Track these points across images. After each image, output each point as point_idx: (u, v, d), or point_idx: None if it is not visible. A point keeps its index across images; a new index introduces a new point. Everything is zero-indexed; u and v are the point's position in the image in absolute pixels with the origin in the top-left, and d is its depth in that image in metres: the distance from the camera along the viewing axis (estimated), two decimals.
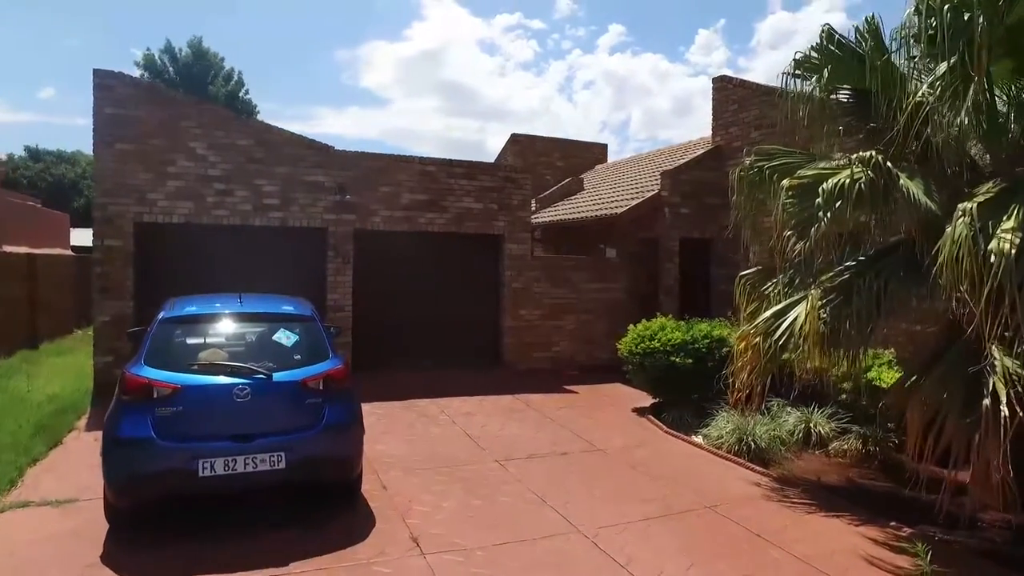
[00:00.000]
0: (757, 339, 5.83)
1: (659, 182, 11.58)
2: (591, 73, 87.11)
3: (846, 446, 7.33)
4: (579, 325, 11.67)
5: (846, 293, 5.21)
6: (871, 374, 7.46)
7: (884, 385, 7.18)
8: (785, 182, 5.13)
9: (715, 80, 11.43)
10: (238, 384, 4.41)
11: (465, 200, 10.81)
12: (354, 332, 10.24)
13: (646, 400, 9.26)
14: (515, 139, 18.76)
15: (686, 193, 11.08)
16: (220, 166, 9.45)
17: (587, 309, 11.72)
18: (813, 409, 7.77)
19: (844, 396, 7.76)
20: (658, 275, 11.22)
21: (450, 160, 10.80)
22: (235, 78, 31.13)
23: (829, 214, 4.71)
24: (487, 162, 11.02)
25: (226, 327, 4.88)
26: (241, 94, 31.90)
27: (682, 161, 11.33)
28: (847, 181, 4.61)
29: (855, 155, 4.66)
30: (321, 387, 4.72)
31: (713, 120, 11.46)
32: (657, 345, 8.49)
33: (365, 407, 8.81)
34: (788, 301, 5.84)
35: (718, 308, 11.30)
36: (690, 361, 8.32)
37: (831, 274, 5.45)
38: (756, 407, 6.37)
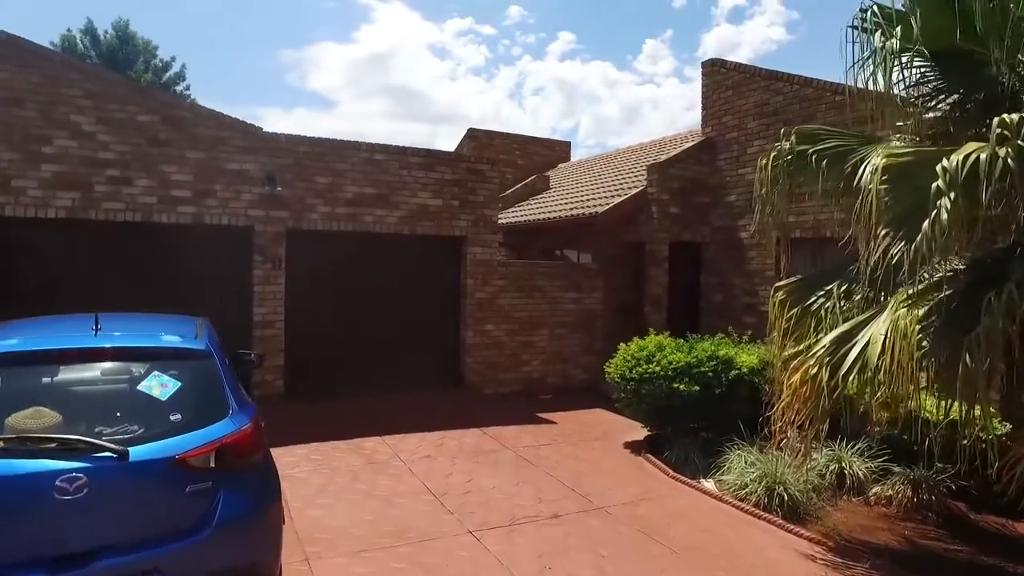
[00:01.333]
0: (816, 369, 4.47)
1: (642, 178, 10.24)
2: (541, 79, 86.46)
3: (889, 491, 6.06)
4: (552, 341, 10.18)
5: (954, 310, 3.89)
6: (911, 403, 6.23)
7: (930, 416, 5.96)
8: (878, 160, 3.75)
9: (705, 65, 10.18)
10: (67, 470, 2.70)
11: (421, 195, 9.18)
12: (287, 354, 8.46)
13: (637, 431, 7.85)
14: (472, 134, 17.22)
15: (675, 190, 9.77)
16: (115, 147, 7.54)
17: (561, 323, 10.25)
18: (842, 444, 6.49)
19: (879, 429, 6.52)
20: (643, 284, 9.85)
21: (403, 148, 9.16)
22: (174, 69, 28.30)
23: (951, 199, 3.34)
24: (447, 151, 9.46)
25: (66, 373, 3.14)
26: (181, 89, 29.07)
27: (668, 155, 10.01)
28: (983, 156, 3.26)
29: (995, 120, 3.31)
30: (213, 463, 3.04)
31: (703, 109, 10.20)
32: (657, 369, 7.07)
33: (299, 450, 7.14)
34: (856, 320, 4.51)
35: (709, 322, 10.02)
36: (696, 388, 6.94)
37: (922, 285, 4.14)
38: (808, 455, 5.03)
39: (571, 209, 10.73)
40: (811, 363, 4.52)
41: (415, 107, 77.39)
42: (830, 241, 7.56)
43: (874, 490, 6.14)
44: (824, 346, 4.51)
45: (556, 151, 18.89)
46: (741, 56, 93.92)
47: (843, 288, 5.02)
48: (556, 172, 16.56)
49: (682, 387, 6.93)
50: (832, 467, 6.34)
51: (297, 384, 8.55)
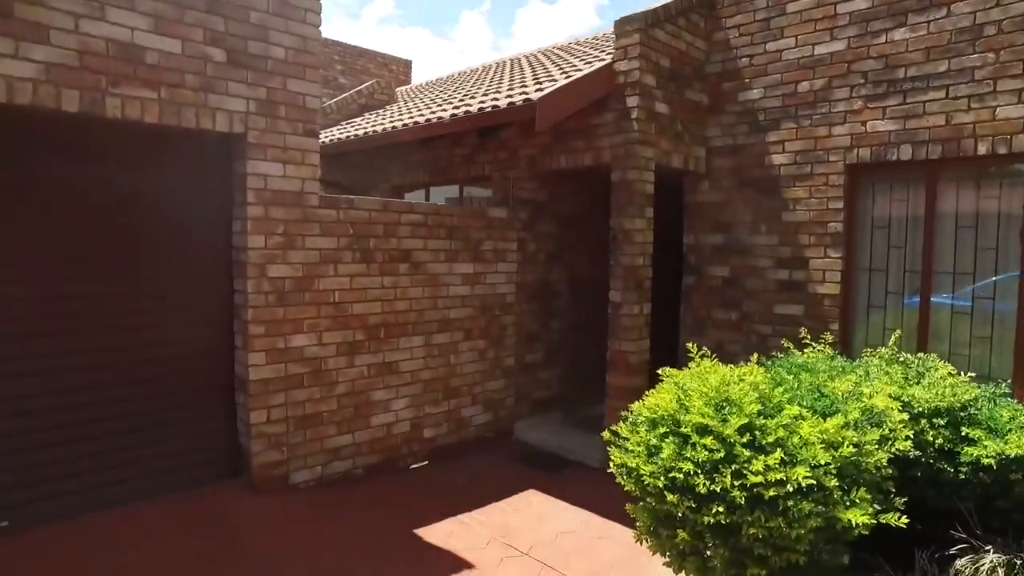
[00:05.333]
0: None
1: (604, 56, 5.62)
2: (356, 41, 78.17)
3: None
4: (431, 359, 5.26)
5: None
6: None
7: None
8: None
9: None
10: None
11: (117, 19, 3.64)
12: None
13: (652, 563, 3.40)
14: None
15: (665, 73, 5.28)
16: None
17: (447, 322, 5.35)
18: None
19: None
20: (602, 247, 5.28)
21: None
22: None
23: None
24: None
25: None
26: None
27: (651, 6, 5.44)
28: None
29: None
30: None
31: None
32: (829, 479, 2.55)
33: None
34: None
35: (703, 315, 5.83)
36: None
37: None
38: None
39: (471, 104, 5.72)
40: None
41: None
42: None
43: None
44: None
45: (393, 72, 13.66)
46: (553, 33, 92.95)
47: None
48: (405, 91, 11.37)
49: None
50: None
51: None
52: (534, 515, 4.39)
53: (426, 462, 5.25)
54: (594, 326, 6.55)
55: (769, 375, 3.26)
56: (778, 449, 2.65)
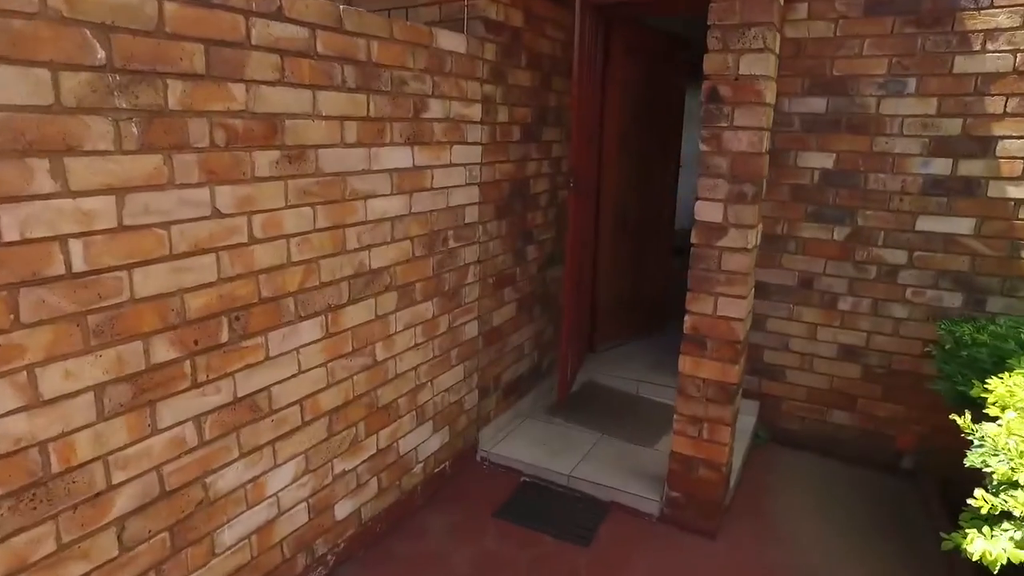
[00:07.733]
0: None
1: None
2: None
3: None
4: (335, 367, 2.42)
5: None
6: None
7: None
8: None
9: None
10: None
11: None
12: None
13: None
14: None
15: None
16: None
17: (366, 277, 2.49)
18: None
19: None
20: (721, 107, 2.83)
21: None
22: None
23: None
24: None
25: None
26: None
27: None
28: None
29: None
30: None
31: None
32: None
33: None
34: None
35: (770, 236, 3.58)
36: None
37: None
38: None
39: None
40: None
41: None
42: None
43: None
44: None
45: None
46: None
47: None
48: None
49: None
50: None
51: None
52: None
53: (343, 564, 2.59)
54: (582, 250, 4.05)
55: None
56: None
